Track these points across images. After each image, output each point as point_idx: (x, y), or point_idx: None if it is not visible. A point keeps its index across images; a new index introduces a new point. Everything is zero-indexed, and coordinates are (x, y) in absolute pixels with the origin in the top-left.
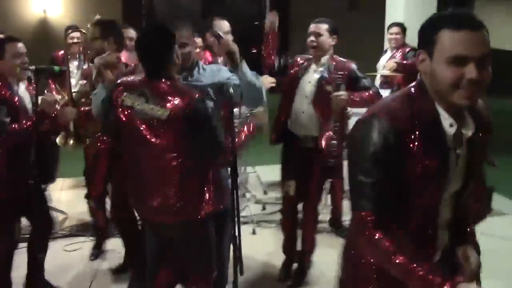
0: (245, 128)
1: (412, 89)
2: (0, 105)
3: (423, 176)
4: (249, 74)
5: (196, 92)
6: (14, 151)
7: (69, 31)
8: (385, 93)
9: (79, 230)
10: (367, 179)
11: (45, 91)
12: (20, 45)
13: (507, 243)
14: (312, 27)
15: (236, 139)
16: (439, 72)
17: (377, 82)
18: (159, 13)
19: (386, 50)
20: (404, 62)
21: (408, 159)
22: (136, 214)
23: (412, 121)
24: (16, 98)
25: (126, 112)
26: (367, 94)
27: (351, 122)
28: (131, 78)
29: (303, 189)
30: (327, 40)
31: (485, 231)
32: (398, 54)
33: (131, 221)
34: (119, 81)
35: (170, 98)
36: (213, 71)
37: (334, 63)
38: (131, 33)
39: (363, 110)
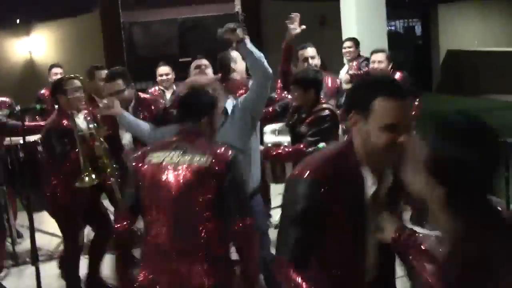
0: None
1: (342, 148)
2: (59, 137)
3: (342, 230)
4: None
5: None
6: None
7: (53, 68)
8: None
9: None
10: (291, 233)
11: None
12: (76, 81)
13: None
14: (306, 51)
15: None
16: (373, 136)
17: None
18: (139, 45)
19: (344, 64)
20: (358, 72)
21: (328, 216)
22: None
23: (336, 180)
24: (75, 127)
25: (152, 170)
26: (292, 149)
27: None
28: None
29: None
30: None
31: None
32: (353, 66)
33: None
34: (139, 152)
35: (210, 149)
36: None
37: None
38: None
39: None
